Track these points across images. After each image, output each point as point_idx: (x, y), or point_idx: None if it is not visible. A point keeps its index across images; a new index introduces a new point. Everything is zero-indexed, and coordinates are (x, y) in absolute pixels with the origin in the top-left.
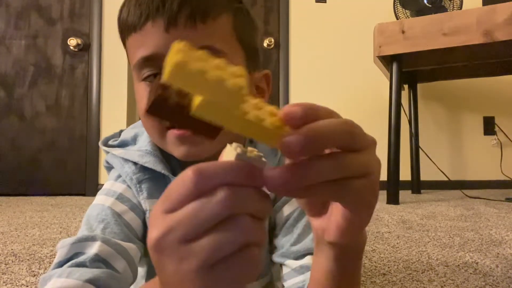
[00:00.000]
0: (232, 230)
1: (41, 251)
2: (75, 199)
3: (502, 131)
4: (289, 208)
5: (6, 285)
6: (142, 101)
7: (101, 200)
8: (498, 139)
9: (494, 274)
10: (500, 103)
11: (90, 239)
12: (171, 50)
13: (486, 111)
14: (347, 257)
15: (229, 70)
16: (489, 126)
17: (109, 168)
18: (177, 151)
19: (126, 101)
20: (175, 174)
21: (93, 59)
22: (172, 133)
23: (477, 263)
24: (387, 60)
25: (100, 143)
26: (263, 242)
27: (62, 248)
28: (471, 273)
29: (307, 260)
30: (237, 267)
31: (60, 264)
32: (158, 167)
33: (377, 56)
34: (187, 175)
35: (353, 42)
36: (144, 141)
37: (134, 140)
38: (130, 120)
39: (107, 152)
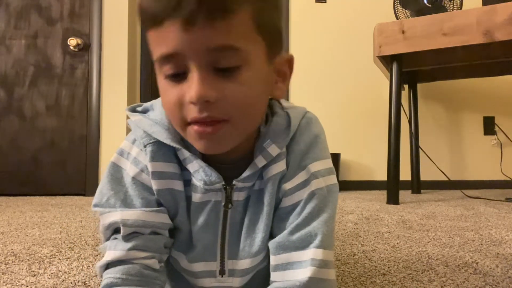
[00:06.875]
0: None
1: (41, 251)
2: (75, 199)
3: (502, 131)
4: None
5: (6, 285)
6: (165, 95)
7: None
8: (498, 139)
9: (494, 274)
10: (500, 103)
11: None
12: None
13: (486, 111)
14: None
15: None
16: (489, 126)
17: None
18: (197, 144)
19: (126, 101)
20: (189, 148)
21: (93, 59)
22: (193, 129)
23: (477, 263)
24: (387, 60)
25: (126, 108)
26: None
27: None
28: (471, 273)
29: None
30: None
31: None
32: (165, 138)
33: (377, 56)
34: None
35: (353, 42)
36: (159, 109)
37: (152, 106)
38: None
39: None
